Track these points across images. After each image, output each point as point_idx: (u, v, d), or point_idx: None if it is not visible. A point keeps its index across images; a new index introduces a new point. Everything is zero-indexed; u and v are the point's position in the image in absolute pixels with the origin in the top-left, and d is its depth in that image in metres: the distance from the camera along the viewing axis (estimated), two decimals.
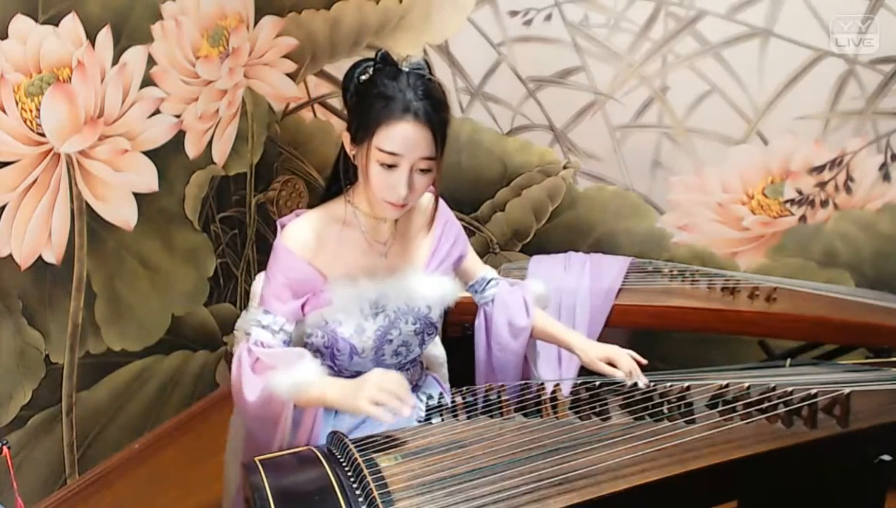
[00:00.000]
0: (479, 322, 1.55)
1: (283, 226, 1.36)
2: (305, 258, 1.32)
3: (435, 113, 1.24)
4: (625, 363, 1.38)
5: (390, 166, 1.24)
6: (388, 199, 1.27)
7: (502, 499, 0.99)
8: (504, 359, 1.52)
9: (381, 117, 1.23)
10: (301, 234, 1.33)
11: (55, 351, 1.96)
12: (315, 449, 1.17)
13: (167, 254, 2.30)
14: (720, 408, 1.20)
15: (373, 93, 1.25)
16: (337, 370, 1.40)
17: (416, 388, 1.49)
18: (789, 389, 1.20)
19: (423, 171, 1.26)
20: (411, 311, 1.38)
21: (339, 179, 1.38)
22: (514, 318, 1.51)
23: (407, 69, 1.26)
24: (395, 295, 1.37)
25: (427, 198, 1.48)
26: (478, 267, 1.58)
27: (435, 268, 1.44)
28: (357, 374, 1.39)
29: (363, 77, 1.28)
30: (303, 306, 1.33)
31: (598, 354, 1.41)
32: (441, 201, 1.50)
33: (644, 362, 1.39)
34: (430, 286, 1.40)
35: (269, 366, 1.28)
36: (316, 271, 1.32)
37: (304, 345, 1.40)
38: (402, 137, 1.22)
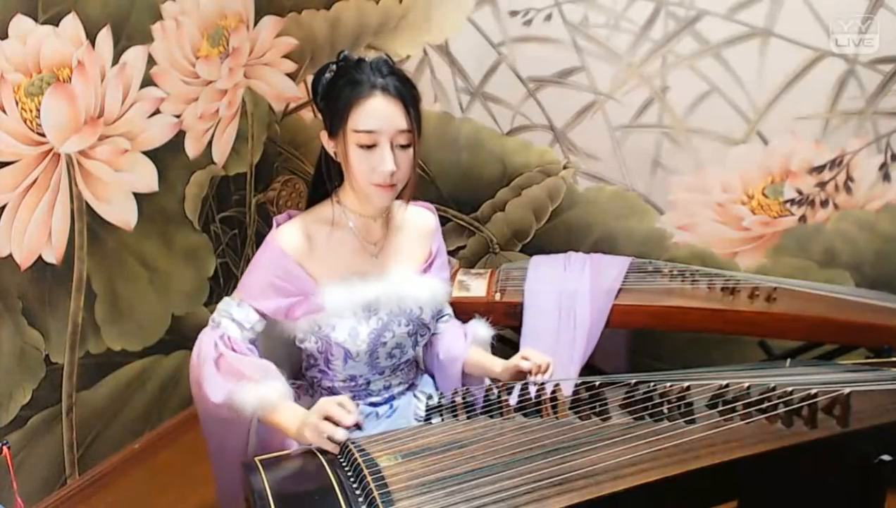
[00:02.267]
0: (427, 352, 1.56)
1: (278, 224, 1.36)
2: (298, 261, 1.32)
3: (403, 86, 1.27)
4: (535, 357, 1.34)
5: (370, 147, 1.26)
6: (375, 180, 1.28)
7: (502, 499, 0.99)
8: (443, 385, 1.52)
9: (351, 100, 1.26)
10: (295, 236, 1.34)
11: (55, 351, 1.96)
12: (315, 449, 1.17)
13: (167, 254, 2.30)
14: (720, 408, 1.19)
15: (339, 84, 1.28)
16: (332, 375, 1.40)
17: (412, 387, 1.49)
18: (789, 389, 1.20)
19: (402, 147, 1.28)
20: (403, 313, 1.38)
21: (323, 183, 1.39)
22: (450, 348, 1.50)
23: (368, 60, 1.30)
24: (388, 297, 1.36)
25: (425, 213, 1.50)
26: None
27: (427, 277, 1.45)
28: (351, 377, 1.40)
29: (328, 75, 1.31)
30: (294, 311, 1.33)
31: (514, 364, 1.36)
32: (438, 221, 1.52)
33: (550, 368, 1.33)
34: (421, 287, 1.41)
35: (233, 370, 1.28)
36: (307, 275, 1.33)
37: (298, 350, 1.40)
38: (375, 112, 1.25)
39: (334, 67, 1.31)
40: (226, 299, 1.37)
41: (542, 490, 1.01)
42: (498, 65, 2.36)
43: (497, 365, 1.41)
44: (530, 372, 1.32)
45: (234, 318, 1.33)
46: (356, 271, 1.36)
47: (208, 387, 1.28)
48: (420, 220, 1.49)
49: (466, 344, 1.49)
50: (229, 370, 1.29)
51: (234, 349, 1.31)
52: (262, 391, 1.25)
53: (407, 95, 1.27)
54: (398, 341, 1.39)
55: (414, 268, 1.44)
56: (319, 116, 1.35)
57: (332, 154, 1.33)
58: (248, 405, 1.25)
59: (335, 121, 1.29)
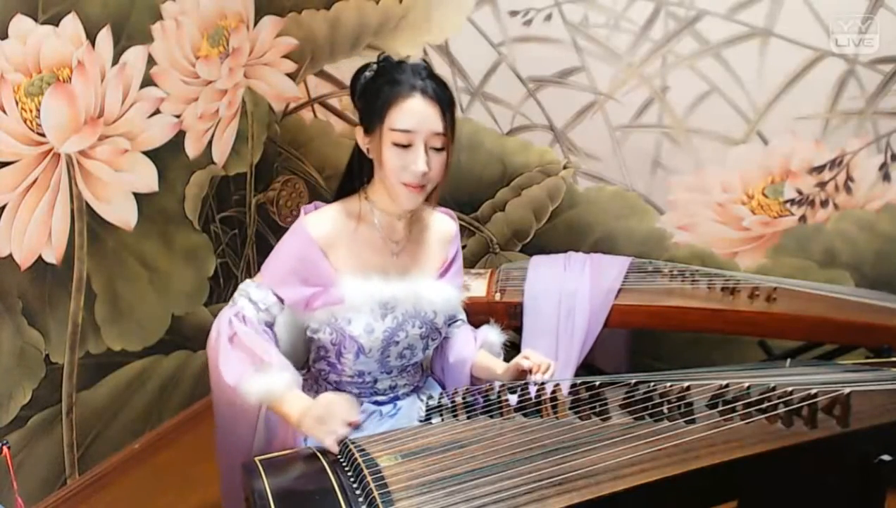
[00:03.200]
0: (436, 355, 1.56)
1: (306, 212, 1.38)
2: (323, 249, 1.34)
3: (441, 90, 1.29)
4: (535, 357, 1.34)
5: (405, 146, 1.27)
6: (406, 179, 1.29)
7: (502, 499, 0.99)
8: (452, 388, 1.51)
9: (390, 99, 1.28)
10: (323, 225, 1.35)
11: (55, 351, 1.96)
12: (315, 449, 1.17)
13: (167, 254, 2.30)
14: (720, 408, 1.19)
15: (378, 83, 1.30)
16: (340, 369, 1.40)
17: (417, 390, 1.50)
18: (789, 389, 1.20)
19: (436, 149, 1.29)
20: (418, 315, 1.39)
21: (352, 178, 1.41)
22: (460, 350, 1.51)
23: (409, 62, 1.32)
24: (405, 298, 1.38)
25: (447, 219, 1.52)
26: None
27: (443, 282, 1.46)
28: (360, 373, 1.41)
29: (368, 74, 1.33)
30: (313, 302, 1.34)
31: (517, 358, 1.37)
32: (458, 229, 1.53)
33: (551, 368, 1.34)
34: (437, 292, 1.42)
35: (245, 348, 1.28)
36: (329, 265, 1.34)
37: (310, 341, 1.40)
38: (413, 112, 1.27)
39: (375, 66, 1.34)
40: (247, 280, 1.38)
41: (542, 490, 1.01)
42: (498, 65, 2.36)
43: (500, 367, 1.42)
44: (530, 371, 1.32)
45: (251, 298, 1.34)
46: (376, 267, 1.37)
47: (223, 366, 1.29)
48: (442, 225, 1.51)
49: (476, 347, 1.50)
50: (241, 348, 1.29)
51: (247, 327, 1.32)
52: (269, 381, 1.25)
53: (444, 99, 1.29)
54: (410, 342, 1.40)
55: (431, 272, 1.45)
56: (356, 114, 1.36)
57: (366, 150, 1.35)
58: (253, 396, 1.25)
59: (373, 118, 1.30)
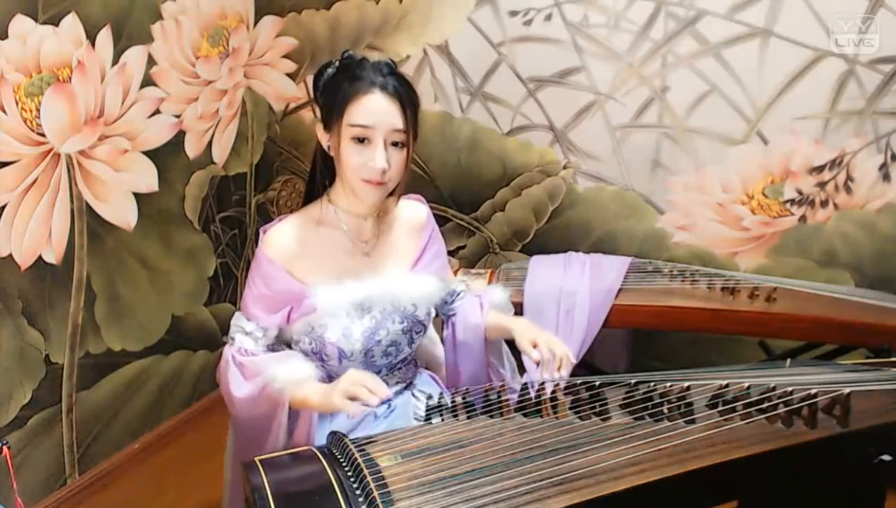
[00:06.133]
0: (448, 334, 1.55)
1: (264, 232, 1.37)
2: (285, 267, 1.33)
3: (401, 87, 1.29)
4: (544, 350, 1.32)
5: (363, 141, 1.28)
6: (366, 176, 1.29)
7: (502, 499, 0.99)
8: (471, 368, 1.51)
9: (349, 95, 1.28)
10: (281, 241, 1.34)
11: (55, 351, 1.96)
12: (315, 449, 1.17)
13: (167, 254, 2.30)
14: (720, 408, 1.20)
15: (339, 79, 1.31)
16: (327, 375, 1.40)
17: (410, 386, 1.49)
18: (789, 389, 1.20)
19: (396, 145, 1.29)
20: (398, 310, 1.39)
21: (316, 182, 1.41)
22: (467, 317, 1.50)
23: (371, 60, 1.32)
24: (381, 295, 1.37)
25: (416, 205, 1.51)
26: (451, 281, 1.58)
27: (419, 271, 1.45)
28: None
29: (330, 71, 1.34)
30: (289, 317, 1.34)
31: (529, 336, 1.36)
32: (430, 212, 1.52)
33: (572, 361, 1.32)
34: (414, 284, 1.41)
35: (256, 371, 1.31)
36: (296, 281, 1.33)
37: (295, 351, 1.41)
38: (372, 108, 1.27)
39: (337, 63, 1.34)
40: (237, 313, 1.39)
41: (542, 490, 1.01)
42: (498, 65, 2.36)
43: (515, 325, 1.40)
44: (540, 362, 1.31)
45: (246, 331, 1.35)
46: (348, 270, 1.37)
47: (235, 390, 1.31)
48: (410, 213, 1.49)
49: (484, 310, 1.49)
50: (253, 374, 1.32)
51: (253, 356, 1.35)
52: (292, 369, 1.29)
53: (405, 96, 1.29)
54: (393, 338, 1.39)
55: (407, 264, 1.44)
56: (318, 111, 1.36)
57: (326, 147, 1.35)
58: (278, 382, 1.27)
59: (332, 114, 1.31)
